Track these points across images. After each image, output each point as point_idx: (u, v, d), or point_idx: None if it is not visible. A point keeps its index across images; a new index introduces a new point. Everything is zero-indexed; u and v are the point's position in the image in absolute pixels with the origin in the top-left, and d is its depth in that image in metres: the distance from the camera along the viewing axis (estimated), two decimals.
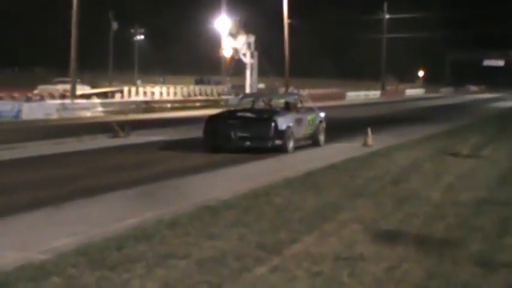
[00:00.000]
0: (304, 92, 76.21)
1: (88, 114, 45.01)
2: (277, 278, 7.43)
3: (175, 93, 68.66)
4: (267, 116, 21.44)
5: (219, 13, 69.05)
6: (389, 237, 9.31)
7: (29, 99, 48.62)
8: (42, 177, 16.05)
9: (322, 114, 24.46)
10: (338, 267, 7.78)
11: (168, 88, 69.86)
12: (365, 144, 22.71)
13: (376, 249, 8.60)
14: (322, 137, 23.75)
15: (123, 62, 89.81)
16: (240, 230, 9.48)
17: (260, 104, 24.27)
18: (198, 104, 58.84)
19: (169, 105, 55.95)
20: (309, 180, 14.69)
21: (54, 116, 41.10)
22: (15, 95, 52.86)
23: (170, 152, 21.75)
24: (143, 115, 45.40)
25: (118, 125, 28.18)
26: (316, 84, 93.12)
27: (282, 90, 67.68)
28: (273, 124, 20.56)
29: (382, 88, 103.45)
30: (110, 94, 63.63)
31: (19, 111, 39.50)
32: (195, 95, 70.48)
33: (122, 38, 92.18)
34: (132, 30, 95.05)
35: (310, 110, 24.29)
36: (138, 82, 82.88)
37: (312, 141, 23.27)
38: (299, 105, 24.03)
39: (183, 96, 68.26)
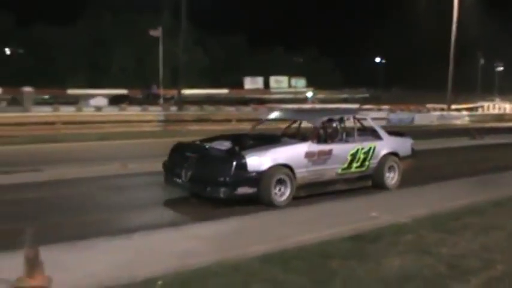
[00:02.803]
0: None
1: (458, 122, 44.95)
2: None
3: None
4: (239, 148, 9.30)
5: None
6: None
7: (419, 111, 48.96)
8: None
9: (405, 143, 11.22)
10: None
11: None
12: None
13: None
14: (390, 176, 10.74)
15: (487, 87, 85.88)
16: None
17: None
18: None
19: None
20: None
21: (435, 123, 41.72)
22: (411, 107, 53.15)
23: None
24: (495, 124, 43.78)
25: (475, 130, 26.91)
26: None
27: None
28: (237, 162, 8.52)
29: None
30: (474, 109, 62.37)
31: (413, 119, 41.46)
32: None
33: (487, 69, 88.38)
34: (494, 64, 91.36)
35: (371, 135, 10.86)
36: (497, 100, 78.26)
37: (372, 183, 10.56)
38: (350, 126, 10.67)
39: None
